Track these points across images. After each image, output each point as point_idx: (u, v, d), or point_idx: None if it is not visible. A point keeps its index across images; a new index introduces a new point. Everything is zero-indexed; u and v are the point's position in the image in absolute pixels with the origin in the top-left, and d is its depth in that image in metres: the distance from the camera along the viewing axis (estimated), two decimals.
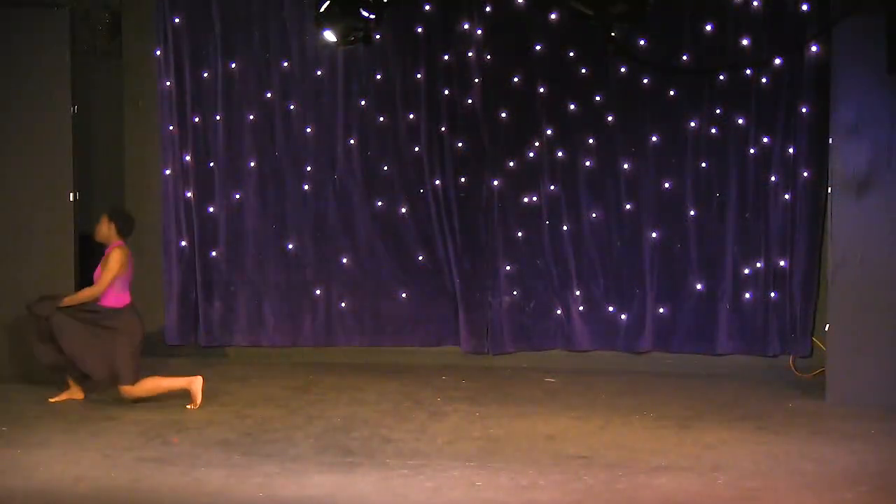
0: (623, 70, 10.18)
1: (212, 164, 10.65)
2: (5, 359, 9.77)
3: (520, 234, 10.45)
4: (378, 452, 7.77)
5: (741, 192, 10.16)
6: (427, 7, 10.37)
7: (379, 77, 10.47)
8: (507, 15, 10.27)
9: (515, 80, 10.32)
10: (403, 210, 10.55)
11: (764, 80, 10.01)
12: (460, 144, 10.46)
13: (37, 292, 9.69)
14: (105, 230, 8.94)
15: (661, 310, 10.32)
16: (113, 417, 8.66)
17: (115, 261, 8.82)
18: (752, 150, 10.11)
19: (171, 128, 10.60)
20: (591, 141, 10.31)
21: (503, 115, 10.38)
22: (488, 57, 10.35)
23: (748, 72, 9.99)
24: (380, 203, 10.58)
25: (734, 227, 10.18)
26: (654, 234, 10.29)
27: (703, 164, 10.19)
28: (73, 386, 9.10)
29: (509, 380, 9.93)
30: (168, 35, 10.52)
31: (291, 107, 10.58)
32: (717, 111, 10.12)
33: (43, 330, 8.88)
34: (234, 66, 10.55)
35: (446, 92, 10.41)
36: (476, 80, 10.36)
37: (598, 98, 10.27)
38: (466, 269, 10.51)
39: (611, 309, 10.39)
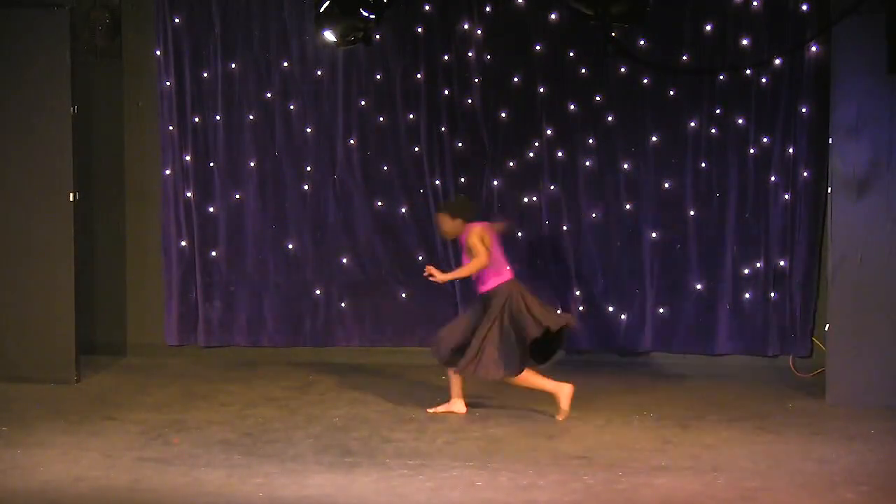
0: (623, 70, 10.18)
1: (212, 164, 10.65)
2: (6, 359, 9.77)
3: (520, 234, 10.45)
4: (378, 452, 7.78)
5: (741, 192, 10.16)
6: (427, 7, 10.37)
7: (379, 77, 10.47)
8: (507, 15, 10.27)
9: (515, 80, 10.32)
10: (403, 210, 10.55)
11: (764, 80, 10.01)
12: (460, 144, 10.46)
13: (37, 292, 9.71)
14: (451, 226, 8.69)
15: (661, 310, 10.32)
16: (113, 417, 8.67)
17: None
18: (752, 150, 10.11)
19: (171, 128, 10.60)
20: (591, 141, 10.31)
21: (503, 115, 10.38)
22: (488, 57, 10.35)
23: (748, 72, 9.99)
24: (380, 203, 10.58)
25: (734, 227, 10.18)
26: (654, 234, 10.29)
27: (703, 164, 10.19)
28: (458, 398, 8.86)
29: None
30: (168, 35, 10.52)
31: (291, 107, 10.58)
32: (717, 111, 10.12)
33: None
34: (234, 66, 10.55)
35: (446, 92, 10.42)
36: (476, 80, 10.36)
37: (598, 98, 10.27)
38: None
39: (611, 309, 10.40)
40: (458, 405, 8.85)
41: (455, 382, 8.86)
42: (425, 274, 8.74)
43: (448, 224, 8.72)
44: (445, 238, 8.97)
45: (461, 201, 9.07)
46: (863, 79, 8.94)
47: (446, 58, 10.40)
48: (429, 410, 8.83)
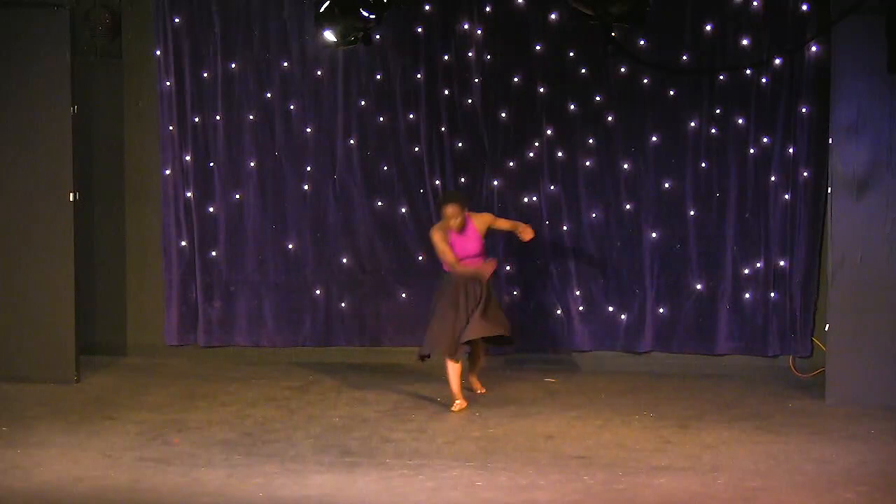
0: (623, 70, 10.18)
1: (212, 164, 10.65)
2: (6, 359, 9.77)
3: None
4: (378, 452, 7.78)
5: (741, 192, 10.16)
6: (427, 7, 10.37)
7: (379, 77, 10.47)
8: (507, 15, 10.27)
9: (515, 80, 10.32)
10: (403, 210, 10.56)
11: (764, 80, 10.01)
12: (460, 144, 10.46)
13: (37, 292, 9.71)
14: (462, 216, 8.98)
15: (661, 310, 10.32)
16: (113, 417, 8.67)
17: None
18: (752, 150, 10.11)
19: (171, 128, 10.60)
20: (591, 141, 10.31)
21: (503, 115, 10.38)
22: (488, 57, 10.35)
23: (748, 72, 9.99)
24: (380, 203, 10.58)
25: (734, 227, 10.18)
26: (654, 234, 10.29)
27: (703, 164, 10.19)
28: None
29: (509, 380, 9.92)
30: (168, 35, 10.52)
31: (291, 107, 10.58)
32: (717, 111, 10.12)
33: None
34: (234, 66, 10.54)
35: (446, 92, 10.41)
36: (476, 80, 10.36)
37: (598, 98, 10.27)
38: None
39: (611, 309, 10.39)
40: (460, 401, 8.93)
41: (454, 381, 8.88)
42: (524, 233, 9.10)
43: (460, 215, 8.97)
44: (453, 230, 8.99)
45: (458, 192, 9.67)
46: (863, 79, 8.94)
47: (446, 58, 10.39)
48: (453, 409, 8.91)
